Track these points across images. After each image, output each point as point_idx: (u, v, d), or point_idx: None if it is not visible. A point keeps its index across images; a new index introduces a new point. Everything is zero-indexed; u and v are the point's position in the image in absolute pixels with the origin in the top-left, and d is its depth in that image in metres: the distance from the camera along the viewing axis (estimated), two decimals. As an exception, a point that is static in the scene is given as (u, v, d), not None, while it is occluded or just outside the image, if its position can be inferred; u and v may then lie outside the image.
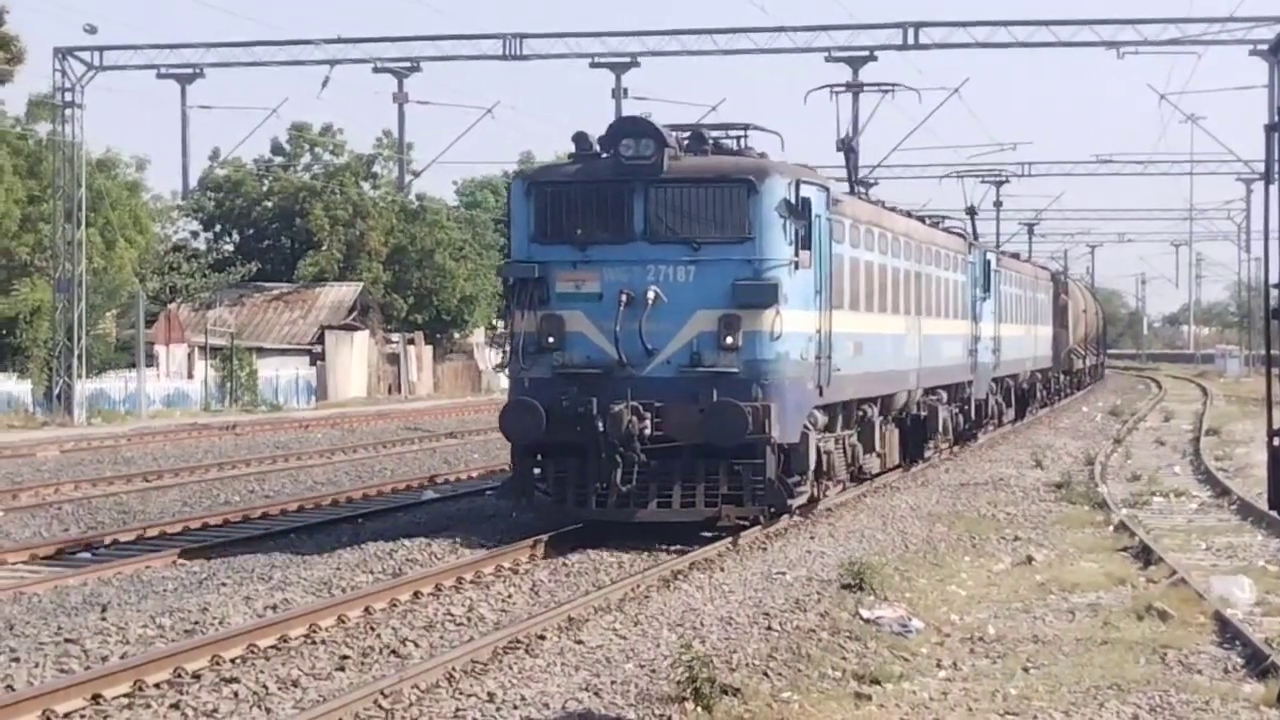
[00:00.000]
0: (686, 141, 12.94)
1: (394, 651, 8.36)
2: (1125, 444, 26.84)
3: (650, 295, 12.07)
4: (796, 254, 12.46)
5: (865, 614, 9.81)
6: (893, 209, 18.78)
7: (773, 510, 12.74)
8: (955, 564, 12.77)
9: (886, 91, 20.59)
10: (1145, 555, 12.73)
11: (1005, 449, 25.70)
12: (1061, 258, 66.80)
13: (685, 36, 31.87)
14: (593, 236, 12.57)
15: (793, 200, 12.38)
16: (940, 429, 19.93)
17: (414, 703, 7.09)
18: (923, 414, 18.91)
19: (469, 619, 9.43)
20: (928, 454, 20.20)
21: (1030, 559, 12.87)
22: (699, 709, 6.88)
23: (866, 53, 29.24)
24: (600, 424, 11.77)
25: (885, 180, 34.86)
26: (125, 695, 7.12)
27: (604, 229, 12.60)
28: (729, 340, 12.03)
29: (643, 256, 12.36)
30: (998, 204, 34.53)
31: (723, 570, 11.92)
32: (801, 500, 13.45)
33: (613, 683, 7.62)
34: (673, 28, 32.23)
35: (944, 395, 20.18)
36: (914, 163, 37.40)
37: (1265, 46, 27.52)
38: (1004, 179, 33.31)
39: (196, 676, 7.55)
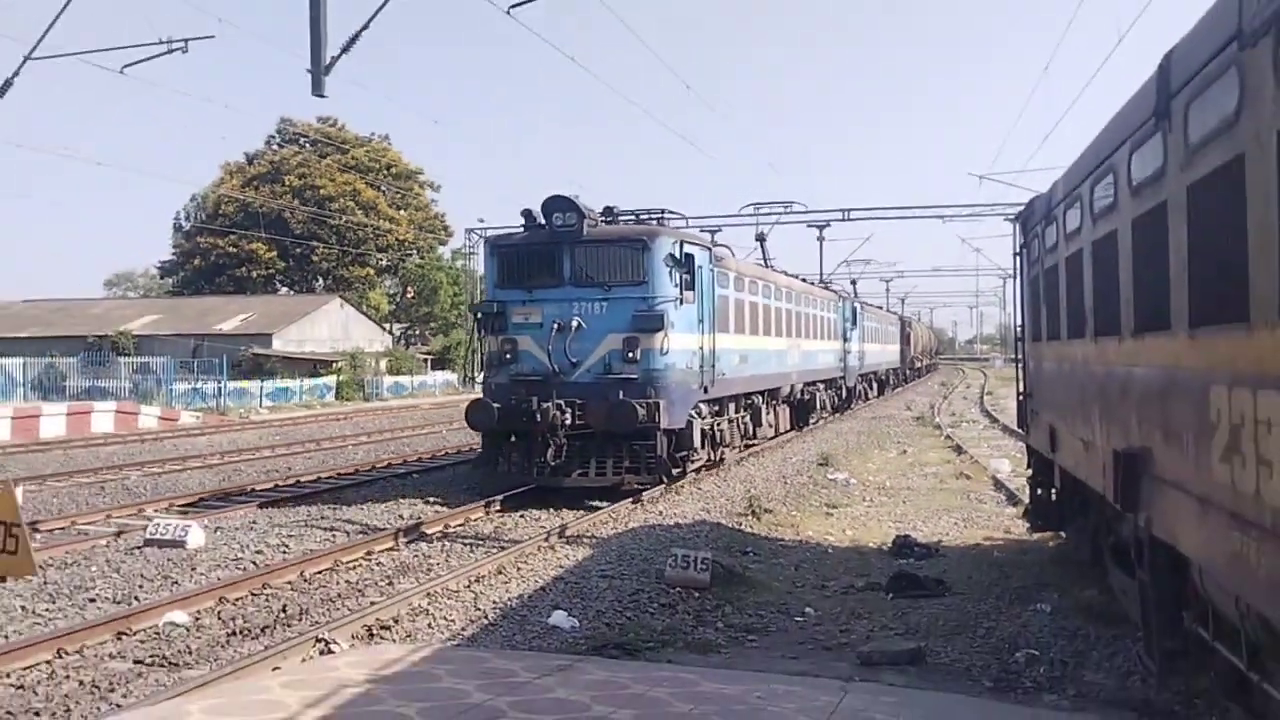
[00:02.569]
0: (602, 216, 17.56)
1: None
2: (948, 399, 49.11)
3: (574, 324, 16.14)
4: (681, 293, 16.60)
5: (831, 476, 18.86)
6: (783, 272, 27.83)
7: (664, 479, 16.59)
8: (869, 454, 23.58)
9: (786, 207, 34.23)
10: (959, 450, 25.26)
11: (890, 405, 43.95)
12: (912, 307, 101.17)
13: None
14: (536, 282, 16.63)
15: (677, 254, 16.56)
16: (818, 407, 30.21)
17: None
18: (806, 398, 28.15)
19: (471, 539, 13.41)
20: (812, 421, 30.05)
21: (905, 451, 25.41)
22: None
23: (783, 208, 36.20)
24: (536, 416, 15.74)
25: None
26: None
27: (544, 277, 16.58)
28: (630, 355, 15.95)
29: (570, 296, 16.33)
30: (820, 239, 45.40)
31: (678, 494, 17.38)
32: (698, 463, 18.09)
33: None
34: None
35: (822, 386, 30.75)
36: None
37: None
38: (826, 224, 44.74)
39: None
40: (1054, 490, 11.60)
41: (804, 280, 30.70)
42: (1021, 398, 13.18)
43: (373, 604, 9.66)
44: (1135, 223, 6.45)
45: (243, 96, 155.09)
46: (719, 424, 19.25)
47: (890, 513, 16.10)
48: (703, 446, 17.97)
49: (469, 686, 6.97)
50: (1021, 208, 13.45)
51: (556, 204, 16.68)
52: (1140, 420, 6.42)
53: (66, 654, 8.17)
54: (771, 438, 24.61)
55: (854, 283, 52.40)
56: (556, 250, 16.56)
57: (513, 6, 16.75)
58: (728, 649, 8.70)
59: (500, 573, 11.09)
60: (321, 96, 16.14)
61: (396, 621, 9.17)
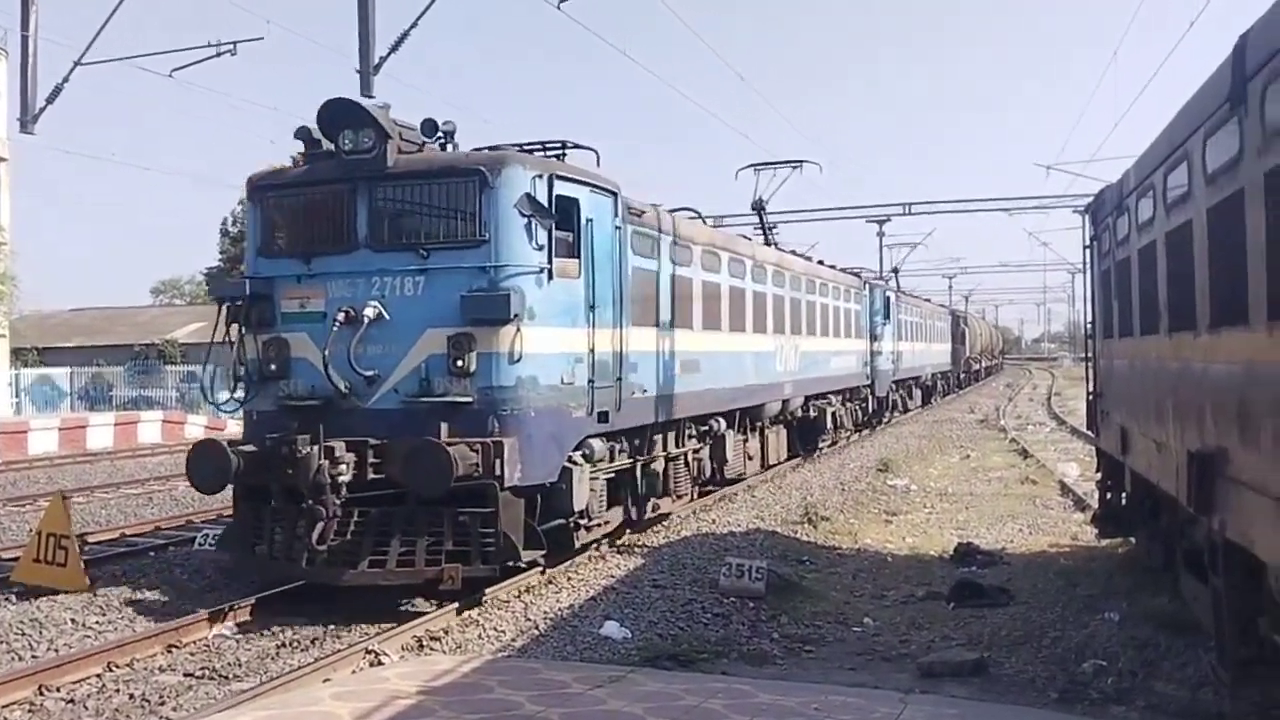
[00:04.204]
0: (426, 136, 11.03)
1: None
2: (1014, 401, 48.01)
3: (371, 313, 10.22)
4: (550, 260, 10.54)
5: (891, 482, 18.68)
6: (774, 245, 22.11)
7: (528, 564, 10.72)
8: (930, 459, 23.55)
9: (795, 167, 23.83)
10: (1025, 453, 24.70)
11: (950, 409, 42.80)
12: (976, 305, 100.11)
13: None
14: (316, 247, 10.79)
15: (542, 197, 10.50)
16: (832, 426, 23.90)
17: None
18: (810, 415, 22.10)
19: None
20: (822, 445, 23.93)
21: (968, 456, 24.83)
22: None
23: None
24: (296, 468, 9.68)
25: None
26: None
27: (328, 237, 10.79)
28: (459, 364, 10.04)
29: (366, 267, 10.47)
30: (880, 235, 44.42)
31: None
32: (598, 532, 12.17)
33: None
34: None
35: (836, 399, 24.20)
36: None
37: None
38: (886, 219, 44.07)
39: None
40: (1124, 494, 11.39)
41: (808, 259, 23.92)
42: (1091, 398, 12.96)
43: (422, 614, 9.74)
44: (1210, 212, 6.32)
45: (291, 98, 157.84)
46: (650, 465, 13.40)
47: (952, 519, 15.89)
48: (607, 506, 12.28)
49: (521, 698, 6.99)
50: (1090, 199, 13.25)
51: (342, 114, 10.67)
52: (1216, 419, 6.28)
53: (117, 667, 8.30)
54: (746, 476, 18.24)
55: (895, 270, 47.12)
56: (345, 192, 10.71)
57: (562, 1, 16.79)
58: (784, 660, 8.64)
59: (551, 583, 11.12)
60: (370, 97, 16.22)
61: (447, 633, 9.25)
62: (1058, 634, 9.06)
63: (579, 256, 11.21)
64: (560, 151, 11.81)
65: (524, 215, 10.41)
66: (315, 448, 9.73)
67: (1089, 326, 13.46)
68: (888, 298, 30.95)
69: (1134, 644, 8.56)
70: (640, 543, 13.43)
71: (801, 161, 23.84)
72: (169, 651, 8.74)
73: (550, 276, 10.63)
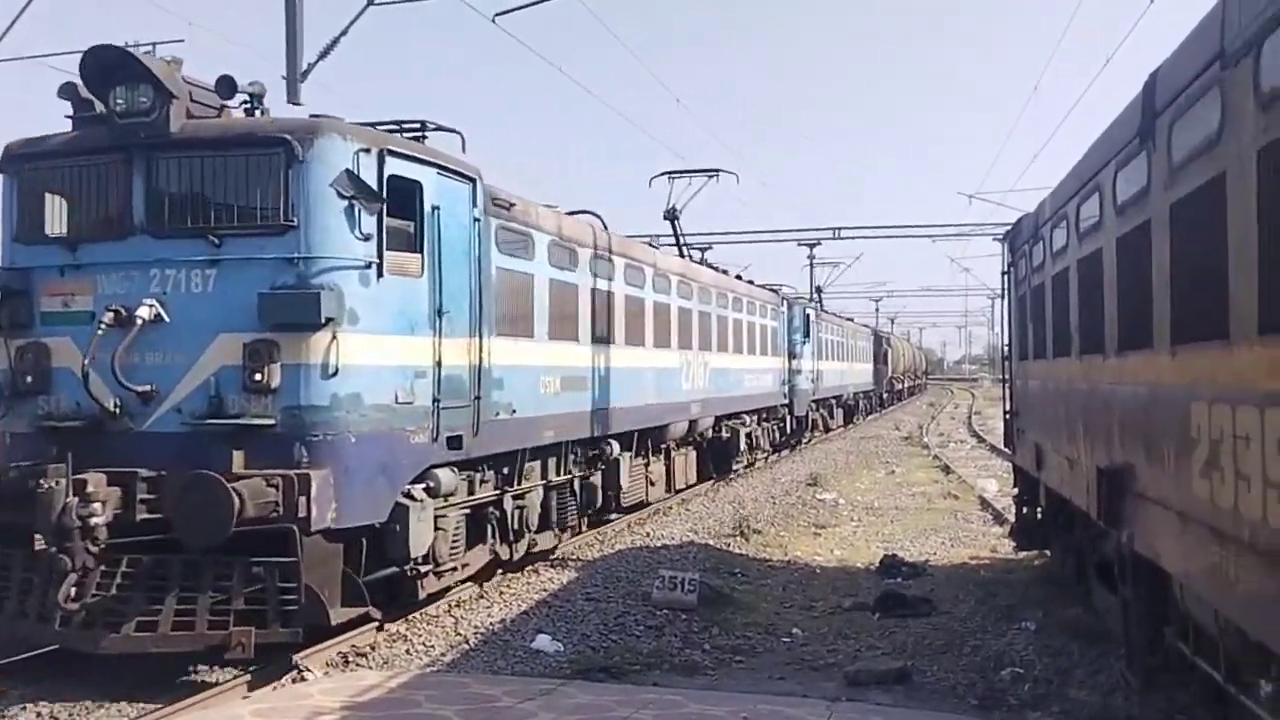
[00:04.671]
0: (221, 96, 9.11)
1: None
2: (936, 419, 50.08)
3: (146, 313, 8.39)
4: (379, 254, 8.75)
5: (820, 496, 19.07)
6: (689, 257, 21.52)
7: (355, 623, 9.00)
8: (857, 474, 24.01)
9: (711, 176, 22.63)
10: (946, 469, 25.50)
11: (875, 426, 43.82)
12: (901, 327, 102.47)
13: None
14: (84, 232, 8.97)
15: (370, 176, 8.74)
16: (747, 446, 22.46)
17: None
18: (723, 436, 20.80)
19: None
20: (736, 467, 22.48)
21: (893, 471, 25.45)
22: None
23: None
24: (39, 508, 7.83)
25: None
26: None
27: (97, 221, 8.98)
28: (258, 378, 8.26)
29: (144, 257, 8.64)
30: (810, 258, 45.14)
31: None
32: (447, 580, 10.16)
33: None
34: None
35: (751, 418, 22.92)
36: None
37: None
38: (817, 242, 44.27)
39: None
40: (1039, 509, 11.75)
41: (722, 272, 22.75)
42: (1008, 417, 13.34)
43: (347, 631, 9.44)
44: (1120, 241, 6.62)
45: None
46: (524, 496, 11.62)
47: (878, 532, 16.20)
48: (467, 546, 10.40)
49: (449, 712, 6.99)
50: (1009, 227, 13.65)
51: (113, 66, 8.70)
52: (1123, 437, 6.56)
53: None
54: (650, 502, 16.68)
55: (819, 289, 46.38)
56: (118, 164, 8.82)
57: (498, 14, 16.80)
58: (714, 671, 8.75)
59: (483, 596, 11.11)
60: (297, 105, 16.06)
61: (374, 648, 9.11)
62: (977, 643, 9.31)
63: (422, 251, 9.32)
64: (420, 134, 10.15)
65: (344, 197, 8.55)
66: (61, 482, 7.82)
67: (1006, 349, 13.90)
68: (807, 315, 29.65)
69: (1049, 652, 8.84)
70: (574, 555, 13.47)
71: (718, 170, 22.76)
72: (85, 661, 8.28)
73: (380, 274, 8.78)
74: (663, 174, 22.78)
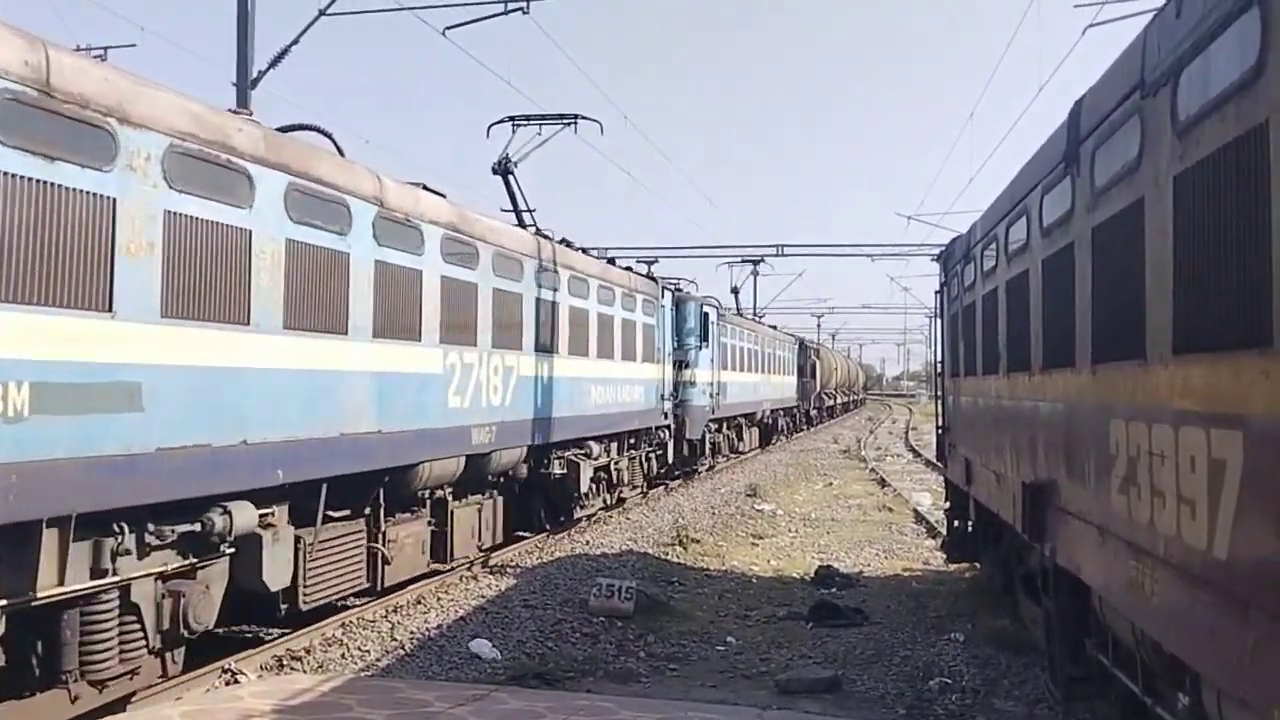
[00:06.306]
0: None
1: None
2: (874, 434, 50.99)
3: None
4: None
5: (759, 506, 19.06)
6: (525, 226, 15.20)
7: None
8: (796, 487, 23.85)
9: (568, 123, 17.40)
10: (882, 483, 25.65)
11: (816, 439, 44.35)
12: (842, 344, 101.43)
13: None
14: None
15: None
16: (594, 485, 16.57)
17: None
18: (555, 471, 14.92)
19: None
20: (577, 515, 16.31)
21: (830, 484, 25.48)
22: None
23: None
24: None
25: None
26: None
27: None
28: None
29: None
30: (754, 274, 44.88)
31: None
32: None
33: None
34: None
35: (598, 446, 16.49)
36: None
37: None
38: (760, 259, 42.77)
39: None
40: (969, 522, 11.88)
41: (554, 241, 15.21)
42: (940, 432, 13.49)
43: (283, 634, 9.41)
44: (1045, 263, 6.71)
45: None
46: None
47: (814, 543, 16.28)
48: None
49: (379, 716, 6.88)
50: (943, 248, 13.83)
51: None
52: (1047, 454, 6.64)
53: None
54: (352, 606, 10.20)
55: (735, 291, 40.93)
56: None
57: (449, 28, 16.74)
58: (648, 678, 8.71)
59: (419, 602, 10.97)
60: (247, 112, 15.80)
61: (308, 652, 8.99)
62: (908, 653, 9.38)
63: None
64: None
65: None
66: None
67: (939, 365, 14.05)
68: (705, 315, 23.94)
69: (977, 663, 8.94)
70: (514, 563, 13.35)
71: (577, 117, 17.47)
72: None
73: None
74: (503, 120, 17.23)
